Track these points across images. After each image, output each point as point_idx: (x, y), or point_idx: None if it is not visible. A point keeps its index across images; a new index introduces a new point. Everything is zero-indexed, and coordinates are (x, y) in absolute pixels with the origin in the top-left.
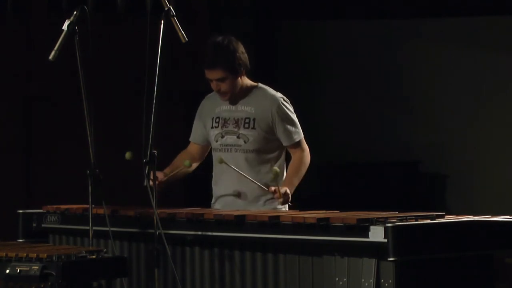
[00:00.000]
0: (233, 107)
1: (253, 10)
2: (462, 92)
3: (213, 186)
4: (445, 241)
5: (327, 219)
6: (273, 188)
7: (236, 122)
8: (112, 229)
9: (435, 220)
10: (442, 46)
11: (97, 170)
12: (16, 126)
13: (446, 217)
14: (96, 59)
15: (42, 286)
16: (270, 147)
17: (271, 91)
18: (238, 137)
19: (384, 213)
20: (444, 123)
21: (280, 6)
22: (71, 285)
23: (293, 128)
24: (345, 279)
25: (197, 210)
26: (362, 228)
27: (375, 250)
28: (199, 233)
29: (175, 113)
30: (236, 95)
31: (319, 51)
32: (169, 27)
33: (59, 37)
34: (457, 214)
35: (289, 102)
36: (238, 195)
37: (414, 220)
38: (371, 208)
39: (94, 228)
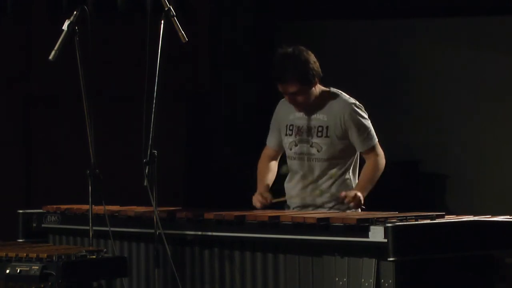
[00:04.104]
0: (307, 115)
1: (253, 10)
2: (462, 92)
3: (285, 185)
4: (445, 241)
5: (327, 219)
6: (343, 193)
7: (309, 131)
8: (112, 229)
9: (435, 220)
10: (442, 46)
11: (97, 170)
12: (16, 126)
13: (446, 217)
14: (96, 59)
15: (42, 286)
16: (343, 155)
17: (343, 96)
18: (311, 146)
19: (384, 213)
20: (444, 123)
21: (279, 6)
22: (71, 285)
23: (365, 134)
24: (345, 279)
25: (197, 210)
26: (362, 228)
27: (375, 250)
28: (199, 233)
29: (175, 113)
30: (310, 104)
31: (319, 51)
32: (169, 27)
33: (59, 37)
34: (457, 214)
35: (362, 108)
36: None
37: (414, 220)
38: (371, 208)
39: (94, 228)
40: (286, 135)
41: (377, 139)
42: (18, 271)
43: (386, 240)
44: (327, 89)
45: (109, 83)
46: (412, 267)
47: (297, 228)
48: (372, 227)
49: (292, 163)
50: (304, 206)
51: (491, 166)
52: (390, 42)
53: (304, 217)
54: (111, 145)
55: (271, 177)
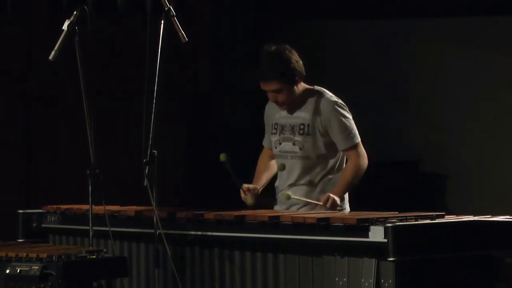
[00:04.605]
0: (290, 113)
1: (253, 10)
2: (462, 92)
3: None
4: (445, 241)
5: (327, 219)
6: (315, 201)
7: (292, 129)
8: (112, 229)
9: (435, 220)
10: (442, 46)
11: (97, 170)
12: (16, 126)
13: (446, 217)
14: (96, 59)
15: (42, 286)
16: (326, 154)
17: (326, 94)
18: (293, 143)
19: (384, 213)
20: (444, 123)
21: (279, 6)
22: (71, 285)
23: (346, 133)
24: (345, 279)
25: (197, 210)
26: (362, 228)
27: (375, 250)
28: (199, 233)
29: (175, 113)
30: (293, 102)
31: (318, 51)
32: (169, 27)
33: (59, 37)
34: (457, 214)
35: (344, 106)
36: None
37: (414, 220)
38: (371, 208)
39: (94, 228)
40: (272, 134)
41: (359, 139)
42: (18, 271)
43: (386, 240)
44: (311, 87)
45: (109, 83)
46: (412, 267)
47: (297, 228)
48: (372, 227)
49: (278, 162)
50: (291, 205)
51: (491, 166)
52: (390, 42)
53: (304, 217)
54: (111, 145)
55: (266, 176)
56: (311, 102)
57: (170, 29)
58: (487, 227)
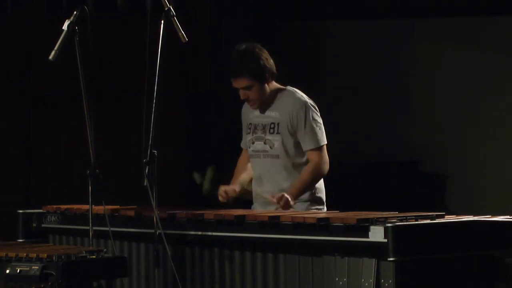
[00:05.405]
0: (262, 113)
1: (253, 10)
2: (462, 92)
3: (253, 188)
4: (445, 241)
5: (327, 219)
6: (271, 196)
7: (263, 128)
8: (112, 229)
9: (435, 220)
10: (442, 46)
11: (97, 170)
12: (16, 126)
13: (446, 217)
14: (96, 59)
15: (42, 286)
16: (297, 153)
17: (297, 94)
18: (265, 142)
19: (384, 213)
20: (444, 123)
21: (279, 6)
22: (71, 285)
23: (311, 134)
24: (345, 279)
25: (197, 210)
26: (362, 228)
27: (375, 250)
28: (199, 233)
29: (175, 113)
30: (265, 101)
31: (319, 51)
32: (169, 27)
33: (59, 37)
34: (457, 214)
35: (314, 107)
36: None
37: (414, 220)
38: (371, 208)
39: (94, 228)
40: (247, 133)
41: (324, 143)
42: (18, 271)
43: (386, 240)
44: (283, 87)
45: (109, 83)
46: (412, 267)
47: (297, 228)
48: (372, 227)
49: (252, 162)
50: (268, 204)
51: (491, 166)
52: (390, 42)
53: (304, 217)
54: (111, 145)
55: (245, 176)
56: (281, 101)
57: (170, 29)
58: (487, 227)
